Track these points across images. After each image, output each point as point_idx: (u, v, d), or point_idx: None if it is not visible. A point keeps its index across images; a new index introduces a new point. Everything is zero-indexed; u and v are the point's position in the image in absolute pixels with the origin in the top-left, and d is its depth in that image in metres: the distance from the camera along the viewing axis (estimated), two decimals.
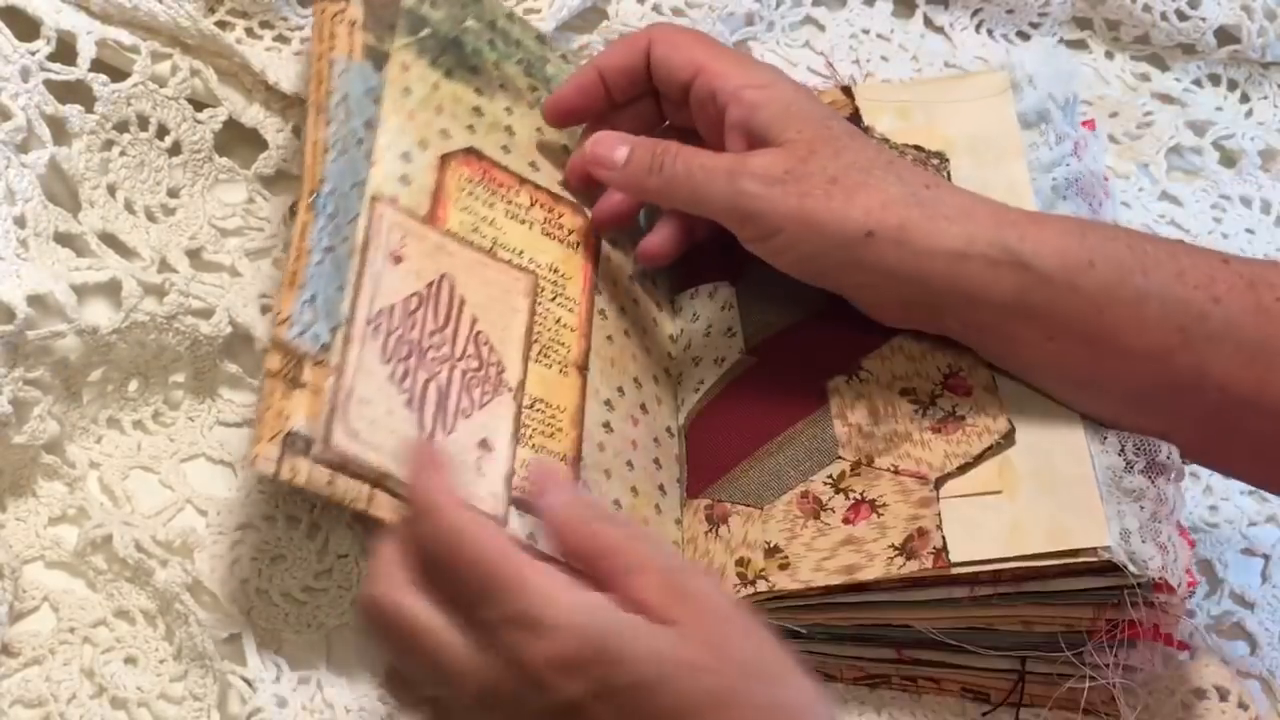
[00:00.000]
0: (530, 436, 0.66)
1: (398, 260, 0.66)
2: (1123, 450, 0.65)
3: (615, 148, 0.68)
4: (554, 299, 0.69)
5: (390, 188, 0.67)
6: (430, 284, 0.66)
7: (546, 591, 0.50)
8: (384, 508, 0.61)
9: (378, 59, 0.70)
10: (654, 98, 0.72)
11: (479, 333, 0.66)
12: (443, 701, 0.52)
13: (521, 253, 0.69)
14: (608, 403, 0.69)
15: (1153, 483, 0.64)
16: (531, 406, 0.66)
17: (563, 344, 0.69)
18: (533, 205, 0.71)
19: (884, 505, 0.65)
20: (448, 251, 0.67)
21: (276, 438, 0.59)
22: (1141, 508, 0.63)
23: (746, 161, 0.65)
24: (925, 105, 0.70)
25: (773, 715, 0.50)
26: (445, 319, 0.66)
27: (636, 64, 0.71)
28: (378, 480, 0.61)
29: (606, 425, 0.69)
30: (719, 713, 0.49)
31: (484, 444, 0.64)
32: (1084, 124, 0.76)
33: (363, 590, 0.55)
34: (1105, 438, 0.65)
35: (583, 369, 0.69)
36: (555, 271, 0.70)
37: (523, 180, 0.71)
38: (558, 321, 0.69)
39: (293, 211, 0.72)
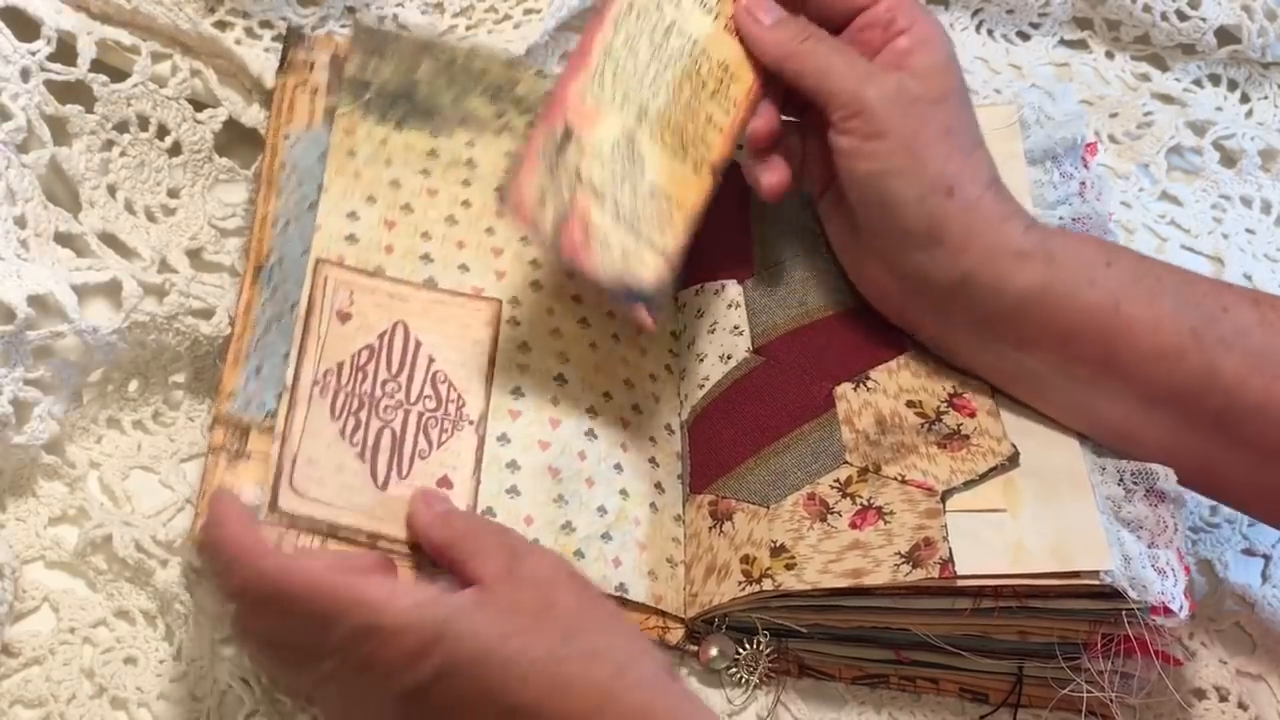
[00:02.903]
0: (638, 224, 0.67)
1: (345, 318, 0.68)
2: (1121, 479, 0.66)
3: (768, 9, 0.70)
4: (713, 94, 0.69)
5: (335, 249, 0.69)
6: (382, 334, 0.68)
7: (382, 600, 0.56)
8: None
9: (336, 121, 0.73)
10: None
11: (436, 372, 0.68)
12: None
13: (697, 43, 0.69)
14: (591, 410, 0.70)
15: (1153, 509, 0.65)
16: (651, 196, 0.67)
17: (705, 142, 0.69)
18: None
19: (891, 513, 0.65)
20: (401, 298, 0.69)
21: None
22: (1139, 537, 0.64)
23: (886, 73, 0.67)
24: None
25: (599, 666, 0.55)
26: (400, 365, 0.68)
27: None
28: (329, 533, 0.63)
29: (590, 433, 0.69)
30: (548, 667, 0.55)
31: (443, 481, 0.66)
32: (1087, 146, 0.77)
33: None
34: (1104, 468, 0.66)
35: (718, 172, 0.69)
36: (724, 69, 0.70)
37: None
38: (709, 120, 0.69)
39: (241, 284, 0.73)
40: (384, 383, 0.67)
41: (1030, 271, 0.65)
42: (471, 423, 0.68)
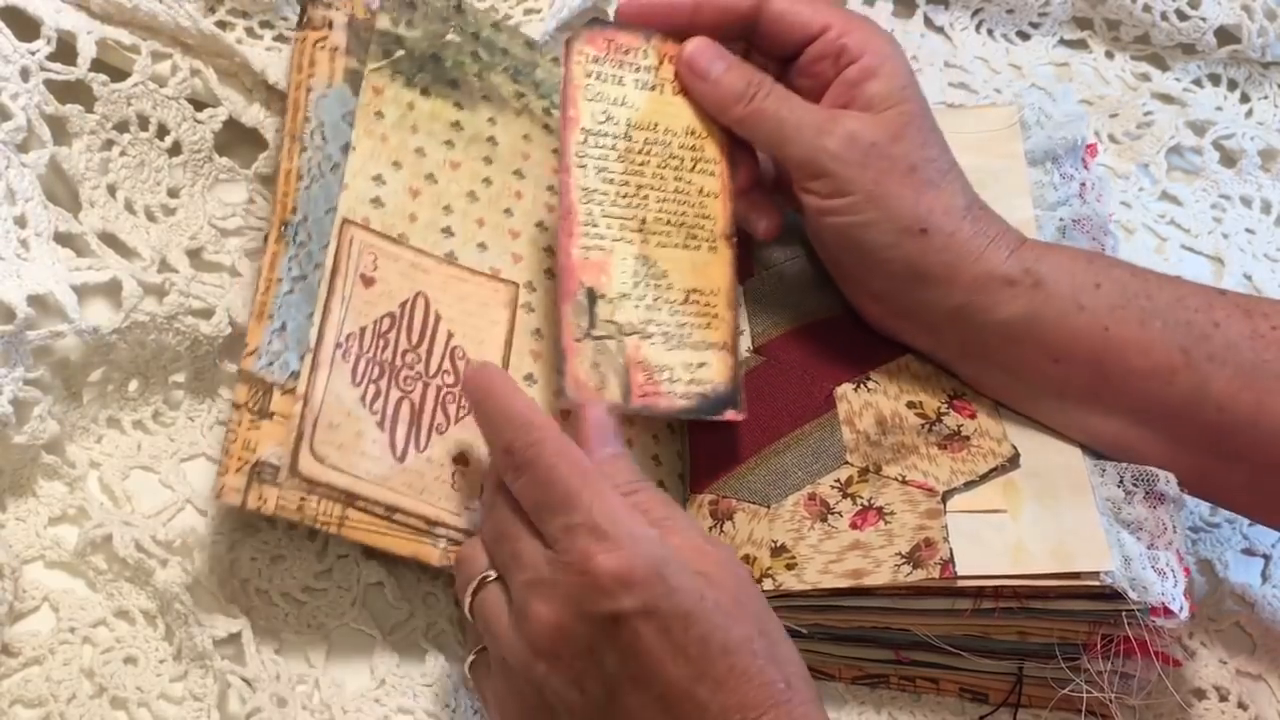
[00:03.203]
0: (689, 333, 0.67)
1: (369, 283, 0.67)
2: (1121, 481, 0.66)
3: (712, 60, 0.68)
4: (694, 166, 0.69)
5: (361, 211, 0.68)
6: (404, 303, 0.67)
7: (619, 513, 0.55)
8: (356, 530, 0.63)
9: (357, 82, 0.71)
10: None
11: (455, 348, 0.67)
12: (507, 578, 0.58)
13: (656, 126, 0.68)
14: None
15: (1152, 511, 0.65)
16: (686, 301, 0.67)
17: (708, 217, 0.68)
18: (661, 63, 0.69)
19: (891, 513, 0.65)
20: (423, 269, 0.68)
21: (243, 469, 0.62)
22: (1139, 538, 0.64)
23: (839, 121, 0.66)
24: None
25: (775, 671, 0.55)
26: (420, 337, 0.67)
27: (741, 8, 0.69)
28: (348, 501, 0.63)
29: None
30: (734, 657, 0.54)
31: (460, 458, 0.66)
32: (1088, 147, 0.77)
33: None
34: (1104, 470, 0.66)
35: (731, 238, 0.69)
36: (691, 134, 0.69)
37: (648, 37, 0.69)
38: (701, 192, 0.69)
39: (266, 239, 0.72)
40: (404, 353, 0.66)
41: (1018, 299, 0.65)
42: None
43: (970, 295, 0.65)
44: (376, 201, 0.69)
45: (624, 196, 0.67)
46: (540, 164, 0.74)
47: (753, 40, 0.70)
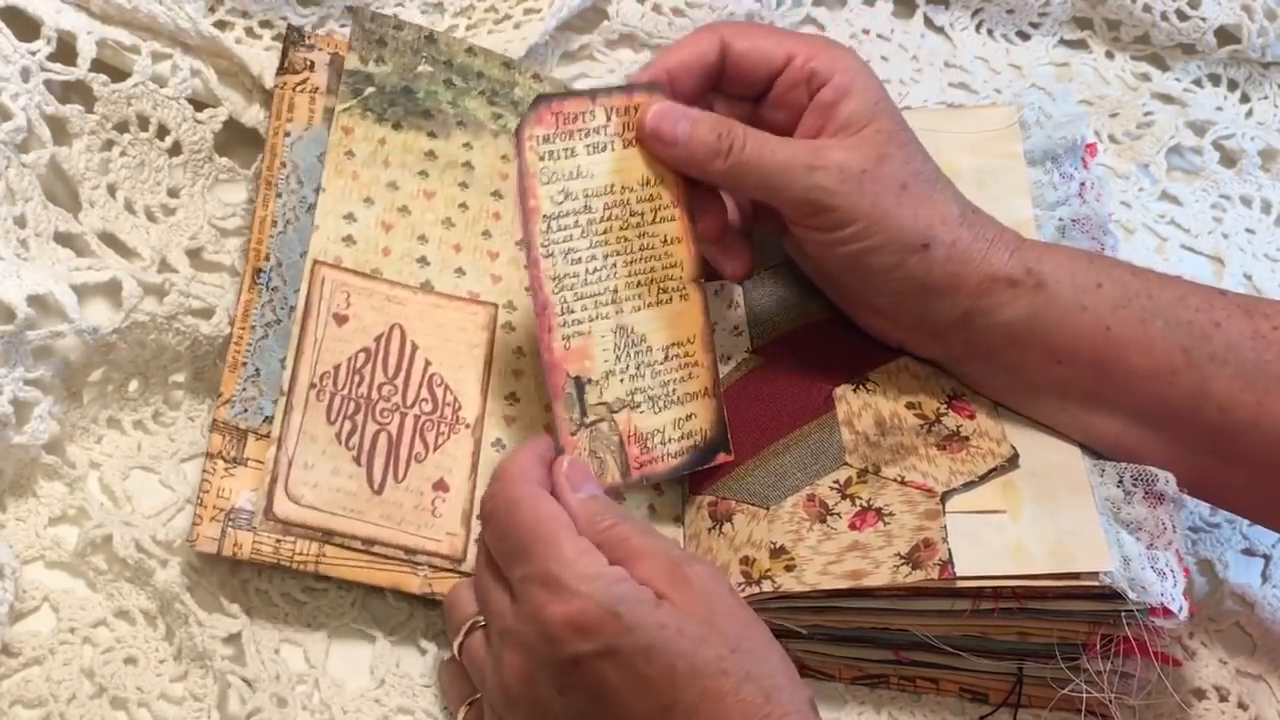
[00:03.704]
0: (673, 390, 0.67)
1: (342, 320, 0.68)
2: (1121, 481, 0.66)
3: (676, 122, 0.66)
4: (655, 217, 0.68)
5: (333, 251, 0.69)
6: (379, 336, 0.68)
7: (573, 559, 0.57)
8: (334, 567, 0.64)
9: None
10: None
11: (433, 375, 0.68)
12: (486, 630, 0.60)
13: (614, 187, 0.67)
14: None
15: (1152, 511, 0.65)
16: (666, 359, 0.67)
17: (675, 265, 0.68)
18: (609, 119, 0.67)
19: (890, 514, 0.65)
20: (398, 301, 0.69)
21: (217, 517, 0.64)
22: (1138, 538, 0.64)
23: (824, 154, 0.65)
24: (933, 134, 0.71)
25: (752, 686, 0.55)
26: (397, 368, 0.68)
27: (709, 60, 0.68)
28: (325, 539, 0.64)
29: None
30: (705, 680, 0.55)
31: (439, 485, 0.67)
32: (1087, 147, 0.77)
33: None
34: (1103, 470, 0.66)
35: (699, 279, 0.68)
36: (646, 183, 0.68)
37: (593, 96, 0.67)
38: (664, 241, 0.68)
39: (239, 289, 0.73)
40: (380, 385, 0.67)
41: (1021, 300, 0.65)
42: (468, 426, 0.68)
43: (975, 300, 0.65)
44: (348, 240, 0.70)
45: (593, 272, 0.67)
46: None
47: (721, 87, 0.69)
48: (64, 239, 0.69)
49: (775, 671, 0.57)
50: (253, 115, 0.75)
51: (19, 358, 0.65)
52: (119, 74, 0.72)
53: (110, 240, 0.71)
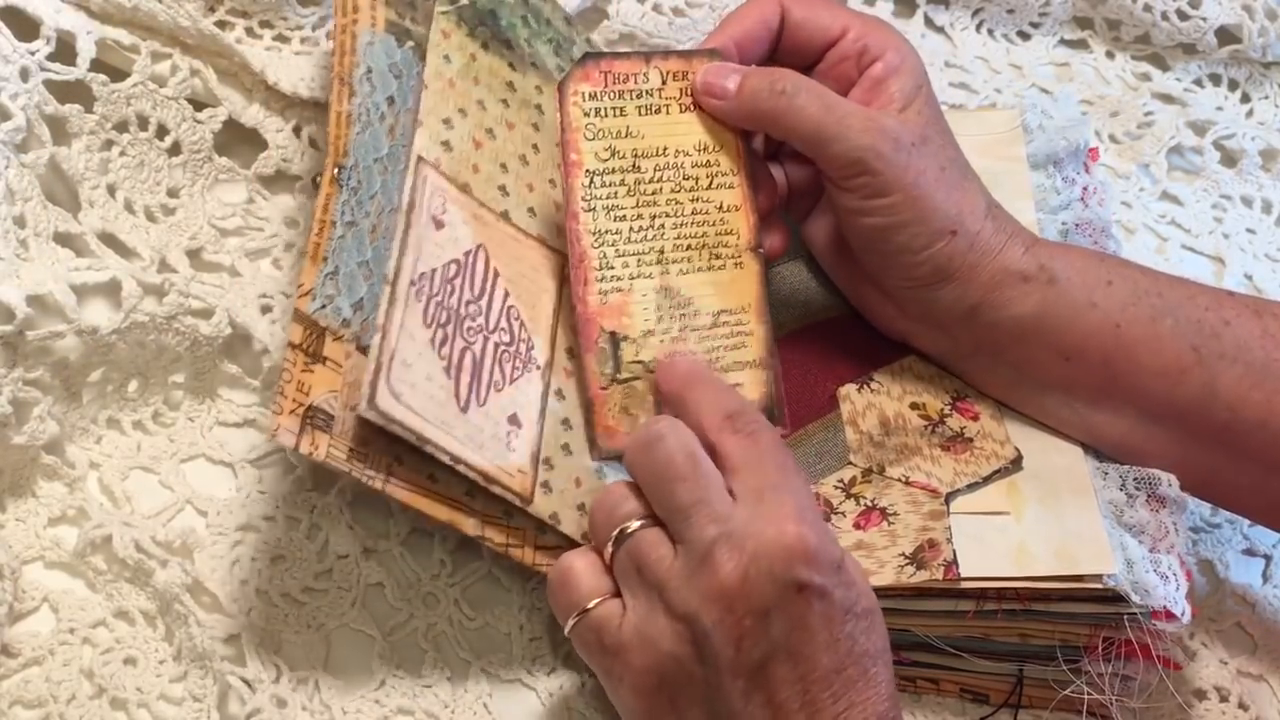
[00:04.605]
0: (719, 357, 0.66)
1: (439, 225, 0.65)
2: (1124, 485, 0.66)
3: (727, 76, 0.67)
4: (710, 184, 0.68)
5: (434, 151, 0.67)
6: (467, 252, 0.66)
7: (816, 509, 0.59)
8: (399, 490, 0.61)
9: (400, 35, 0.70)
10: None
11: (511, 307, 0.66)
12: (682, 525, 0.59)
13: (666, 150, 0.67)
14: None
15: (1154, 514, 0.65)
16: (714, 325, 0.67)
17: (730, 233, 0.68)
18: (665, 83, 0.68)
19: (895, 514, 0.65)
20: (484, 222, 0.67)
21: (298, 411, 0.60)
22: (1141, 541, 0.64)
23: (880, 119, 0.65)
24: None
25: (888, 688, 0.57)
26: (480, 289, 0.65)
27: (772, 26, 0.69)
28: (419, 443, 0.60)
29: None
30: (870, 665, 0.57)
31: (513, 419, 0.64)
32: (1089, 151, 0.77)
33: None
34: (1106, 473, 0.66)
35: (757, 249, 0.68)
36: (703, 150, 0.68)
37: (648, 58, 0.68)
38: (720, 208, 0.68)
39: (314, 183, 0.71)
40: (468, 303, 0.65)
41: (1032, 295, 0.65)
42: (539, 368, 0.66)
43: (987, 293, 0.65)
44: (446, 145, 0.67)
45: (638, 231, 0.67)
46: None
47: (776, 55, 0.69)
48: (64, 239, 0.69)
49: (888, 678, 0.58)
50: (252, 115, 0.75)
51: (18, 358, 0.65)
52: (118, 74, 0.72)
53: (110, 240, 0.71)
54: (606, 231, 0.66)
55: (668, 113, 0.68)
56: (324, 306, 0.62)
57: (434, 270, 0.64)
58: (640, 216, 0.67)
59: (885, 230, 0.65)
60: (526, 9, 0.74)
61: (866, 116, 0.65)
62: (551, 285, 0.68)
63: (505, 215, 0.68)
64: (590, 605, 0.59)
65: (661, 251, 0.67)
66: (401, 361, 0.61)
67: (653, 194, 0.67)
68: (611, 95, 0.66)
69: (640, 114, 0.67)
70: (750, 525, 0.57)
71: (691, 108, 0.68)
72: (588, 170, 0.66)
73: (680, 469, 0.59)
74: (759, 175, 0.69)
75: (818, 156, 0.66)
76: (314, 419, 0.60)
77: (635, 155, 0.67)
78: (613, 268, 0.66)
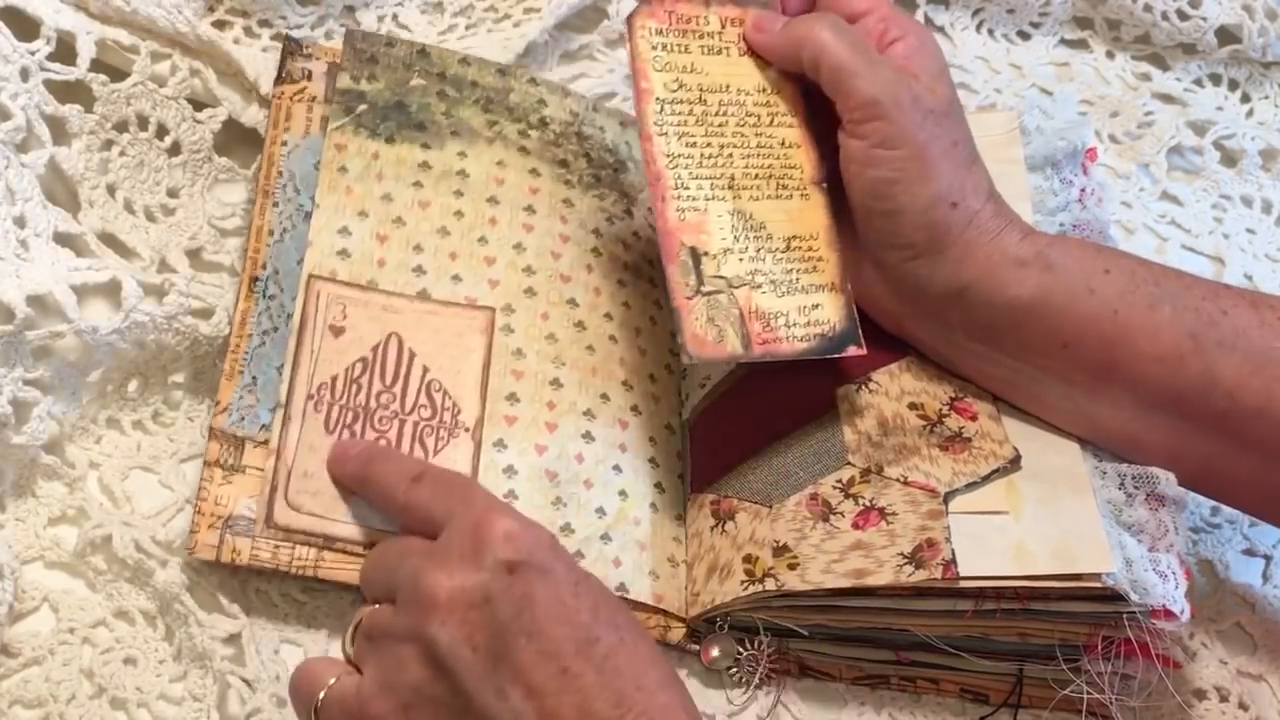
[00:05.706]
0: (796, 279, 0.68)
1: (338, 332, 0.68)
2: (1122, 484, 0.66)
3: (775, 19, 0.70)
4: (771, 121, 0.70)
5: (328, 265, 0.70)
6: (375, 346, 0.69)
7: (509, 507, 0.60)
8: (333, 570, 0.64)
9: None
10: None
11: (431, 381, 0.68)
12: (391, 583, 0.59)
13: (729, 87, 0.69)
14: (588, 412, 0.70)
15: (1153, 513, 0.65)
16: (788, 249, 0.68)
17: (794, 167, 0.69)
18: (724, 27, 0.70)
19: (893, 514, 0.65)
20: (394, 310, 0.69)
21: (215, 525, 0.64)
22: (1140, 540, 0.64)
23: (906, 77, 0.66)
24: None
25: (650, 645, 0.57)
26: (394, 376, 0.68)
27: None
28: (325, 546, 0.64)
29: (587, 435, 0.69)
30: (624, 631, 0.56)
31: None
32: (1088, 151, 0.77)
33: None
34: (1105, 472, 0.66)
35: (821, 184, 0.70)
36: (763, 91, 0.70)
37: (708, 3, 0.70)
38: (783, 144, 0.70)
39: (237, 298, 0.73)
40: (379, 394, 0.68)
41: (1028, 280, 0.65)
42: (467, 429, 0.68)
43: (980, 274, 0.65)
44: (343, 253, 0.70)
45: (708, 157, 0.68)
46: (516, 186, 0.75)
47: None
48: (63, 239, 0.69)
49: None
50: (252, 115, 0.75)
51: (19, 358, 0.65)
52: (118, 74, 0.72)
53: (110, 240, 0.71)
54: (679, 155, 0.68)
55: (728, 55, 0.70)
56: (242, 419, 0.66)
57: (334, 377, 0.67)
58: (710, 144, 0.68)
59: (888, 185, 0.66)
60: (444, 83, 0.76)
61: (896, 69, 0.66)
62: (479, 342, 0.70)
63: (423, 293, 0.70)
64: (329, 683, 0.59)
65: (732, 178, 0.68)
66: (302, 474, 0.65)
67: (720, 126, 0.69)
68: (676, 34, 0.69)
69: (703, 53, 0.70)
70: (450, 539, 0.57)
71: (748, 54, 0.70)
72: (658, 98, 0.68)
73: (386, 558, 0.61)
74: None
75: (838, 93, 0.66)
76: (233, 527, 0.64)
77: (701, 89, 0.69)
78: (687, 188, 0.68)
